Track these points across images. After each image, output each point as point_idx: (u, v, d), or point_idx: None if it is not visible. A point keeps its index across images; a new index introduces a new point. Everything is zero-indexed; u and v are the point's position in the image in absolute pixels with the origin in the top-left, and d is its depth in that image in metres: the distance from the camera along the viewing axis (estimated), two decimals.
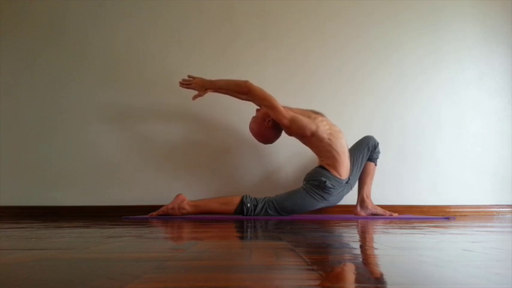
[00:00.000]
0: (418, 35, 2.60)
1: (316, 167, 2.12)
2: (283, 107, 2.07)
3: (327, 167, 2.06)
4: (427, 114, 2.54)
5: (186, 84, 2.22)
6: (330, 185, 2.02)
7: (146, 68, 2.55)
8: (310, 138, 2.07)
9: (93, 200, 2.45)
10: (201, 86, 2.17)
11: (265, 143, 2.25)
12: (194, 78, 2.21)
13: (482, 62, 2.59)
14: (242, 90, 2.09)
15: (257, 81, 2.46)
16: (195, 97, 2.19)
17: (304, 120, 2.04)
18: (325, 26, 2.59)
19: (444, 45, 2.60)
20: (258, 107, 2.19)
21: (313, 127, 2.03)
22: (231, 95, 2.21)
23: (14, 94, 2.56)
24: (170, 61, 2.56)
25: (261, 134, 2.18)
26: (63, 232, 1.15)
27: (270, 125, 2.12)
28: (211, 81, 2.17)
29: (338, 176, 2.04)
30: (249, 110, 2.27)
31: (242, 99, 2.18)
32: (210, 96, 2.24)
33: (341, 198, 2.13)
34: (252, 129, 2.20)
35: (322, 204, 2.08)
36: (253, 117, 2.20)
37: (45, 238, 0.97)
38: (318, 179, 2.04)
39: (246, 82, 2.07)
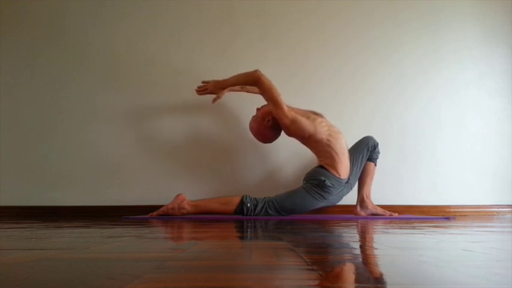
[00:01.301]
0: (418, 35, 2.60)
1: (316, 166, 2.12)
2: (286, 106, 2.06)
3: (326, 166, 2.06)
4: (427, 114, 2.54)
5: (202, 90, 2.22)
6: (330, 184, 2.03)
7: (146, 68, 2.55)
8: (309, 139, 2.08)
9: (93, 200, 2.45)
10: (216, 88, 2.16)
11: (265, 142, 2.25)
12: (208, 82, 2.21)
13: (482, 62, 2.59)
14: (252, 79, 2.03)
15: None
16: (214, 100, 2.19)
17: (304, 121, 2.04)
18: (325, 26, 2.59)
19: (444, 45, 2.60)
20: (259, 107, 2.19)
21: (311, 129, 2.03)
22: (245, 90, 2.24)
23: (14, 94, 2.56)
24: (170, 61, 2.56)
25: (260, 133, 2.18)
26: (63, 232, 1.15)
27: (270, 124, 2.12)
28: (224, 81, 2.15)
29: (337, 176, 2.05)
30: (249, 109, 2.27)
31: (256, 92, 2.19)
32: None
33: (341, 198, 2.13)
34: (251, 128, 2.20)
35: (322, 204, 2.09)
36: (253, 116, 2.20)
37: (45, 238, 0.97)
38: (318, 178, 2.04)
39: (256, 71, 2.03)
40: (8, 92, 2.56)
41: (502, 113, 2.56)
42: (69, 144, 2.51)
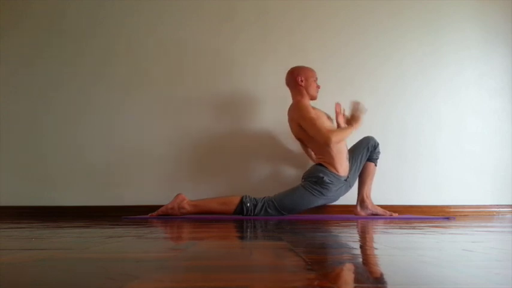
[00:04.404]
0: (418, 35, 2.60)
1: (314, 164, 2.13)
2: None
3: (324, 164, 2.07)
4: (427, 114, 2.54)
5: (355, 110, 2.14)
6: (328, 181, 2.03)
7: (146, 68, 2.55)
8: (310, 141, 2.10)
9: (93, 200, 2.45)
10: (354, 122, 2.11)
11: (287, 83, 2.26)
12: (361, 115, 2.13)
13: (482, 62, 2.59)
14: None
15: (257, 82, 2.48)
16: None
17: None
18: (325, 26, 2.59)
19: (444, 45, 2.59)
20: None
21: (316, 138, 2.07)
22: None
23: (14, 94, 2.56)
24: (170, 61, 2.55)
25: (291, 80, 2.21)
26: (63, 232, 1.15)
27: (301, 84, 2.17)
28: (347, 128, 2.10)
29: (336, 172, 2.05)
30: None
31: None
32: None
33: (339, 195, 2.13)
34: (289, 73, 2.24)
35: (321, 201, 2.09)
36: (297, 66, 2.24)
37: (45, 238, 0.97)
38: (316, 175, 2.05)
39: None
40: (8, 92, 2.56)
41: (502, 113, 2.56)
42: (70, 144, 2.51)
